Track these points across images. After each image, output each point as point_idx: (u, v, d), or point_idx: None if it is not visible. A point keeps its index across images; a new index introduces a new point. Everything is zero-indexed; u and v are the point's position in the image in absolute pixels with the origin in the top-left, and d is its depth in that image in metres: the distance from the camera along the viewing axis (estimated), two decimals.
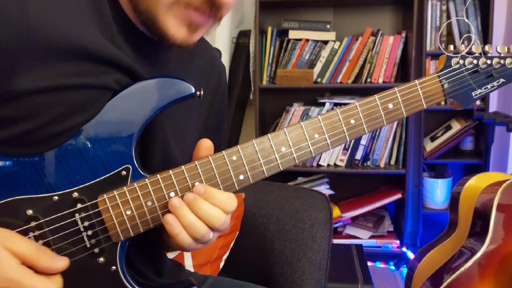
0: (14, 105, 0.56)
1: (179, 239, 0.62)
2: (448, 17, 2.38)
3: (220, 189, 0.65)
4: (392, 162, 2.43)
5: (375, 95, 0.71)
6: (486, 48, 0.76)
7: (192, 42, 0.66)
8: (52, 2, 0.57)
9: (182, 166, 0.63)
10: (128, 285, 0.64)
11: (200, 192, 0.62)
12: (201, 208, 0.61)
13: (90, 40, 0.59)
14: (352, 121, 0.70)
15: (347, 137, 0.70)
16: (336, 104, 2.42)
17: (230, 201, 0.63)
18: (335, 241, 2.37)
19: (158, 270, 0.79)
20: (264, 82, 2.46)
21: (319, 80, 2.42)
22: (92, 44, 0.59)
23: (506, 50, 0.77)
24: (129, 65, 0.63)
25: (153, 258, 0.78)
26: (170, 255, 1.15)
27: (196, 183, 0.63)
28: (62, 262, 0.58)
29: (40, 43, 0.55)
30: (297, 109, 2.45)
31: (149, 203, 0.63)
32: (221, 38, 2.49)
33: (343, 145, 2.40)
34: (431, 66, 2.40)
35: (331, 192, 2.47)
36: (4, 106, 0.56)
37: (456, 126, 2.42)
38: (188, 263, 1.18)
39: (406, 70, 2.36)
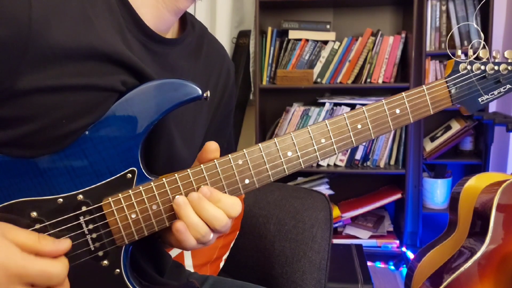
0: (17, 104, 0.56)
1: (185, 244, 0.62)
2: (448, 17, 2.38)
3: (225, 193, 0.64)
4: (392, 162, 2.44)
5: (382, 100, 0.71)
6: (494, 53, 0.75)
7: None
8: (56, 1, 0.57)
9: (188, 170, 0.63)
10: None
11: (206, 194, 0.62)
12: (204, 209, 0.62)
13: (97, 38, 0.59)
14: (359, 126, 0.69)
15: (354, 143, 0.69)
16: (336, 104, 2.42)
17: (235, 206, 0.63)
18: (335, 241, 2.37)
19: (160, 269, 0.79)
20: (264, 82, 2.46)
21: (319, 80, 2.42)
22: (99, 41, 0.59)
23: None
24: (136, 65, 0.62)
25: (155, 257, 0.78)
26: (172, 254, 1.15)
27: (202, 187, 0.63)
28: (64, 243, 0.58)
29: (42, 43, 0.55)
30: (297, 109, 2.45)
31: (154, 207, 0.63)
32: (221, 38, 2.50)
33: None
34: (431, 66, 2.40)
35: (331, 192, 2.47)
36: (7, 106, 0.56)
37: (455, 126, 2.42)
38: (188, 263, 1.18)
39: (406, 70, 2.36)
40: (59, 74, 0.57)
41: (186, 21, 0.78)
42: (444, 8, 2.38)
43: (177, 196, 0.62)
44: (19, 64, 0.55)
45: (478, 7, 2.32)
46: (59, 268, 0.56)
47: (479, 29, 2.33)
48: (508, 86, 0.76)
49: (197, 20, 0.82)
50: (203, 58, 0.80)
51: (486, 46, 0.75)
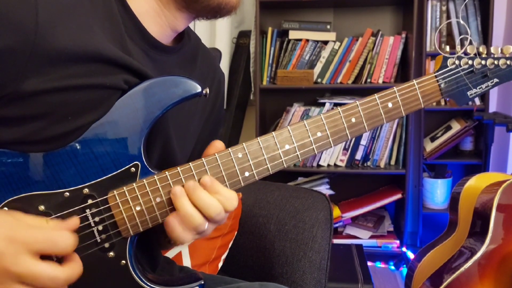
0: (24, 105, 0.58)
1: (180, 239, 0.64)
2: (448, 17, 2.38)
3: (226, 185, 0.66)
4: (392, 162, 2.44)
5: (375, 94, 0.73)
6: (481, 49, 0.79)
7: (239, 2, 0.72)
8: (62, 8, 0.58)
9: (190, 163, 0.65)
10: (138, 279, 0.66)
11: (206, 185, 0.64)
12: (199, 197, 0.63)
13: (100, 44, 0.61)
14: (353, 120, 0.72)
15: (348, 135, 0.72)
16: (336, 104, 2.42)
17: (232, 200, 0.64)
18: (335, 241, 2.37)
19: (153, 264, 0.81)
20: (265, 83, 2.46)
21: (319, 80, 2.43)
22: (102, 46, 0.61)
23: (500, 51, 0.80)
24: (138, 68, 0.65)
25: (149, 253, 0.80)
26: (170, 254, 1.16)
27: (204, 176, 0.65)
28: (72, 220, 0.60)
29: (48, 47, 0.56)
30: (297, 109, 2.45)
31: (158, 199, 0.65)
32: (221, 38, 2.50)
33: (343, 145, 2.40)
34: (431, 66, 2.41)
35: (331, 192, 2.47)
36: (15, 106, 0.57)
37: (456, 127, 2.42)
38: (186, 263, 1.18)
39: (406, 70, 2.36)
40: (64, 76, 0.58)
41: (183, 31, 0.80)
42: (444, 8, 2.38)
43: (175, 187, 0.64)
44: (25, 67, 0.56)
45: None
46: (66, 236, 0.57)
47: (478, 28, 2.33)
48: (495, 80, 0.79)
49: (192, 31, 0.85)
50: (198, 67, 0.83)
51: (473, 42, 0.78)
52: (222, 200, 0.64)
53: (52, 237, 0.56)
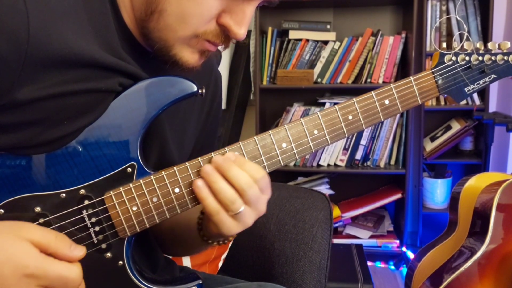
0: (19, 112, 0.57)
1: (206, 203, 0.63)
2: (448, 17, 2.38)
3: None
4: (392, 162, 2.44)
5: (372, 92, 0.73)
6: (478, 45, 0.78)
7: (199, 64, 0.69)
8: (54, 14, 0.58)
9: (186, 163, 0.65)
10: (135, 280, 0.65)
11: (231, 159, 0.64)
12: (229, 170, 0.63)
13: (94, 49, 0.60)
14: (350, 117, 0.71)
15: (346, 133, 0.71)
16: (336, 104, 2.42)
17: (258, 170, 0.64)
18: (335, 241, 2.38)
19: (153, 266, 0.80)
20: (265, 83, 2.46)
21: (319, 80, 2.43)
22: (97, 52, 0.60)
23: (497, 47, 0.79)
24: (133, 71, 0.64)
25: (149, 254, 0.80)
26: None
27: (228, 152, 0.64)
28: (80, 251, 0.59)
29: (42, 55, 0.56)
30: (297, 109, 2.45)
31: (155, 199, 0.64)
32: None
33: (343, 145, 2.40)
34: None
35: (331, 192, 2.47)
36: (10, 113, 0.57)
37: (456, 126, 2.42)
38: (187, 263, 1.18)
39: (406, 70, 2.36)
40: (58, 82, 0.58)
41: None
42: (444, 8, 2.38)
43: (205, 165, 0.63)
44: (19, 76, 0.56)
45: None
46: (76, 272, 0.57)
47: (478, 28, 2.33)
48: (493, 76, 0.78)
49: None
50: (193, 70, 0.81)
51: (470, 38, 0.78)
52: (249, 171, 0.63)
53: (64, 274, 0.56)
